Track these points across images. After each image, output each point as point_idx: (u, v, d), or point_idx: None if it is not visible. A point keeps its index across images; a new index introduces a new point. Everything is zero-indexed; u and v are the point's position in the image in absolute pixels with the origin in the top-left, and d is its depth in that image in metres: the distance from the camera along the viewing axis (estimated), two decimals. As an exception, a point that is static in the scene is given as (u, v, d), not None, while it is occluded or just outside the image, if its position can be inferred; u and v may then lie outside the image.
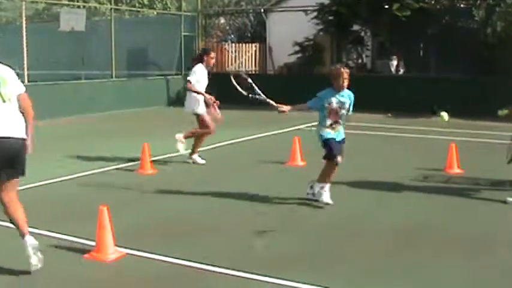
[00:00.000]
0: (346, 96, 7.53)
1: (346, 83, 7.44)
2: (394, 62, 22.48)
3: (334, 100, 7.46)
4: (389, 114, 17.56)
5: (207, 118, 10.40)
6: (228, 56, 26.50)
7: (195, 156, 10.51)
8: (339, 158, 7.48)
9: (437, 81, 18.77)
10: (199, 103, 10.35)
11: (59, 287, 5.12)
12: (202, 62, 10.47)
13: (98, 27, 22.76)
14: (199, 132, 10.48)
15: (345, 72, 7.41)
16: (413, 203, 8.00)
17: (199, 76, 10.30)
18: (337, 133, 7.54)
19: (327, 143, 7.50)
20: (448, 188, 8.76)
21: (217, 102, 10.50)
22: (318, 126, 7.65)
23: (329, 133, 7.50)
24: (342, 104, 7.48)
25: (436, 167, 9.92)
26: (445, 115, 9.25)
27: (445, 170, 9.74)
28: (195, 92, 10.25)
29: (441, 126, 12.98)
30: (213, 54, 10.77)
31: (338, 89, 7.46)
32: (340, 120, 7.56)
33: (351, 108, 7.65)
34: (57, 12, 21.09)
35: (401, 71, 22.02)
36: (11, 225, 5.94)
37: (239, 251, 5.99)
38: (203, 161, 10.47)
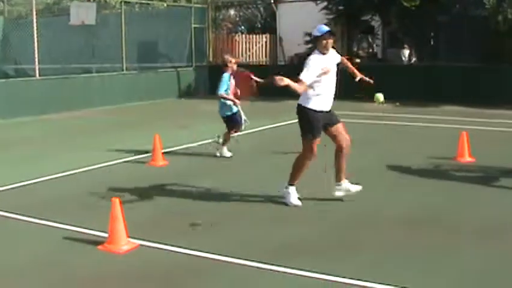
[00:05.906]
0: None
1: None
2: (406, 51, 22.43)
3: None
4: (397, 103, 17.50)
5: None
6: (239, 47, 26.54)
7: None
8: None
9: (447, 70, 18.70)
10: None
11: (73, 277, 5.17)
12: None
13: (108, 21, 22.78)
14: None
15: None
16: (424, 192, 8.00)
17: None
18: None
19: None
20: (459, 177, 8.72)
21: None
22: None
23: None
24: None
25: (447, 156, 9.89)
26: (380, 96, 8.47)
27: (456, 158, 9.70)
28: None
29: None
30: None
31: None
32: None
33: None
34: (68, 6, 21.14)
35: (413, 59, 21.96)
36: (25, 218, 6.00)
37: (252, 242, 6.02)
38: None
